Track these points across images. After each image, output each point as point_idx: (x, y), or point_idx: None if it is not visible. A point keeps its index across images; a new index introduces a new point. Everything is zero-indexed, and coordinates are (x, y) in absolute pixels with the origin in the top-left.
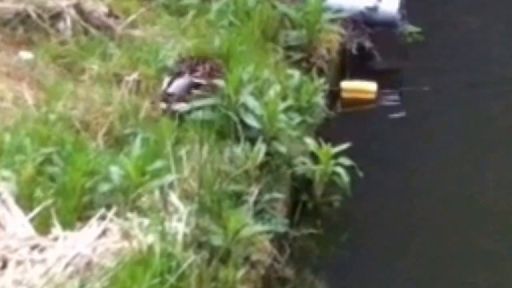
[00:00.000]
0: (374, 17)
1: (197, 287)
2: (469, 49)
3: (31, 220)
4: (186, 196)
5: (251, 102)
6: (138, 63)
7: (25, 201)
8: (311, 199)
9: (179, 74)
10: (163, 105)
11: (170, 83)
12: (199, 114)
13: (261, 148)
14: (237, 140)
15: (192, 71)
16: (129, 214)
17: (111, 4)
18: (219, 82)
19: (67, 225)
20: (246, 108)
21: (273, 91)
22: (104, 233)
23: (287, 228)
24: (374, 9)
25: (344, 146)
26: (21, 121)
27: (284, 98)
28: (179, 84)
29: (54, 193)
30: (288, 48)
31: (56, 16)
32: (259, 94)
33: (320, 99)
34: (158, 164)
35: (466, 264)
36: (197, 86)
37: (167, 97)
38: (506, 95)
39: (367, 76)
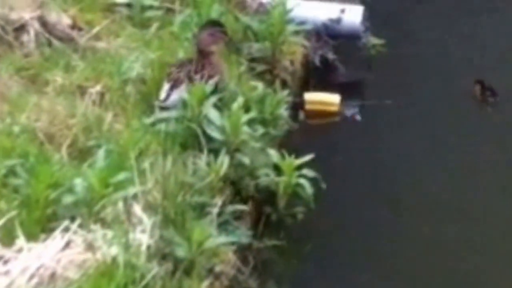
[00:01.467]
0: (337, 29)
1: None
2: (431, 61)
3: None
4: (149, 208)
5: (213, 114)
6: (102, 75)
7: None
8: (274, 211)
9: (177, 83)
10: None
11: (168, 94)
12: (163, 126)
13: (224, 159)
14: (201, 152)
15: (190, 79)
16: (93, 226)
17: (75, 16)
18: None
19: (31, 236)
20: (209, 120)
21: (236, 103)
22: (68, 244)
23: (250, 239)
24: (337, 21)
25: (307, 157)
26: None
27: (247, 110)
28: (176, 97)
29: (18, 205)
30: (252, 60)
31: (20, 28)
32: (222, 106)
33: (283, 111)
34: (122, 176)
35: (430, 274)
36: None
37: (163, 108)
38: (466, 106)
39: (330, 88)
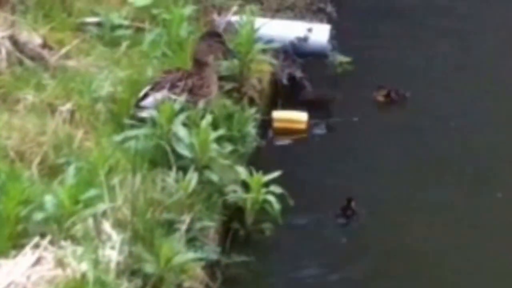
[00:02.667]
0: (305, 47)
1: None
2: (396, 78)
3: None
4: (119, 225)
5: (182, 131)
6: (72, 93)
7: None
8: (242, 227)
9: (158, 86)
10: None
11: (146, 94)
12: (133, 144)
13: (193, 176)
14: (170, 169)
15: (173, 86)
16: (63, 242)
17: (46, 35)
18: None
19: (1, 253)
20: (178, 138)
21: (205, 120)
22: (38, 261)
23: (219, 255)
24: (305, 39)
25: (274, 174)
26: None
27: (216, 127)
28: (154, 98)
29: None
30: (220, 78)
31: None
32: (191, 123)
33: (251, 129)
34: (92, 193)
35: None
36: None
37: (139, 107)
38: (430, 124)
39: (298, 105)
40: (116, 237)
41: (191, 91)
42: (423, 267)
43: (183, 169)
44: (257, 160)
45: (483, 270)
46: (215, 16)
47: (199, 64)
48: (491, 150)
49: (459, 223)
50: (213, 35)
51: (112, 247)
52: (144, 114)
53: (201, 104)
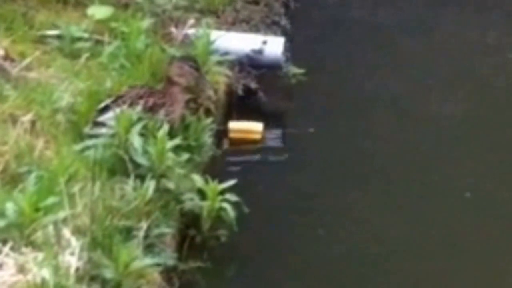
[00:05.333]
0: (260, 59)
1: None
2: (349, 89)
3: None
4: (78, 231)
5: (139, 141)
6: (33, 104)
7: None
8: (199, 234)
9: (119, 101)
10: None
11: (104, 109)
12: (92, 153)
13: (150, 185)
14: (128, 177)
15: (133, 103)
16: (24, 249)
17: (7, 47)
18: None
19: None
20: (135, 147)
21: (162, 130)
22: (0, 267)
23: (175, 261)
24: (260, 52)
25: (230, 182)
26: None
27: (172, 137)
28: (114, 115)
29: None
30: None
31: None
32: (149, 133)
33: (207, 138)
34: (52, 200)
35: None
36: None
37: (97, 123)
38: (387, 135)
39: (253, 116)
40: (75, 243)
41: (151, 110)
42: None
43: (141, 178)
44: (213, 169)
45: None
46: (172, 29)
47: (170, 82)
48: None
49: None
50: (188, 60)
51: (72, 253)
52: (102, 130)
53: (160, 116)
